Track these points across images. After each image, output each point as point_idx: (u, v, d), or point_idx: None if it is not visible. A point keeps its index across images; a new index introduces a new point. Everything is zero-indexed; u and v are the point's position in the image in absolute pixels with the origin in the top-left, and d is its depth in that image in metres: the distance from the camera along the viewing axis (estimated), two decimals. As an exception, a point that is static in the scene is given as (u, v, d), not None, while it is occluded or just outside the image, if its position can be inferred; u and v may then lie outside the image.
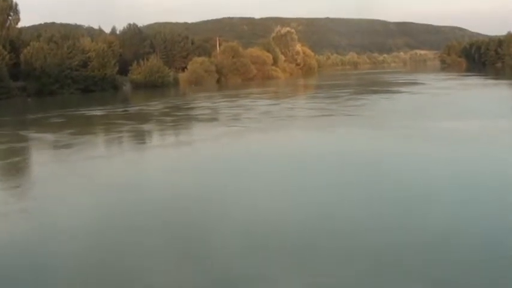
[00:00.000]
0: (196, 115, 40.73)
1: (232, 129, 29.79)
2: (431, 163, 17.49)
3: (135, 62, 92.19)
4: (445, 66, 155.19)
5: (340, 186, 14.76)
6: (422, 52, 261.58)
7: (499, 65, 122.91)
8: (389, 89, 61.18)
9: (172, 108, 47.91)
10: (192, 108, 48.04)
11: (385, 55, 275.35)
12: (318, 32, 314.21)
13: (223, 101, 52.32)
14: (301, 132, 27.94)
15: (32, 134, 32.10)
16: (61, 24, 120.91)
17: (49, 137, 30.03)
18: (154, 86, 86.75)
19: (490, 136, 22.52)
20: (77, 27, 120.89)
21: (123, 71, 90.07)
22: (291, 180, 15.89)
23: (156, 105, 51.12)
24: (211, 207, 12.99)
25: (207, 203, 13.46)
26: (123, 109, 50.48)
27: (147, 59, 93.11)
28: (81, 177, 17.92)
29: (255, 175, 16.91)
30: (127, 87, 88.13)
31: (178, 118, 38.68)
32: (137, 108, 51.81)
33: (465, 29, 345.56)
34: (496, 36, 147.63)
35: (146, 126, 33.72)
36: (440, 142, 21.33)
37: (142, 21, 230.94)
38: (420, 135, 23.44)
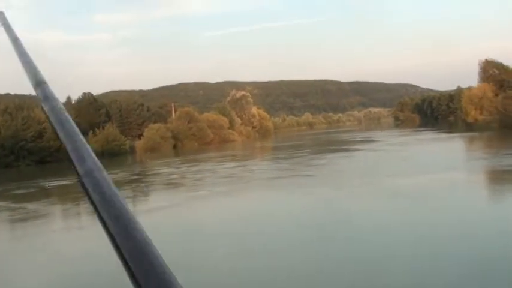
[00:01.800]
0: (156, 182, 40.45)
1: (194, 194, 29.63)
2: (388, 221, 17.64)
3: (91, 131, 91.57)
4: (399, 123, 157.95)
5: (304, 246, 14.74)
6: (376, 110, 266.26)
7: (451, 118, 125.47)
8: (346, 147, 61.86)
9: (131, 176, 47.51)
10: (151, 175, 47.74)
11: (339, 114, 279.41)
12: (272, 95, 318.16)
13: (182, 167, 52.14)
14: (262, 194, 27.95)
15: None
16: (15, 95, 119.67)
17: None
18: (111, 155, 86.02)
19: (441, 189, 22.95)
20: (31, 98, 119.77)
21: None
22: (253, 241, 15.83)
23: (114, 174, 50.60)
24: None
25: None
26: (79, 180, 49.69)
27: (103, 128, 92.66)
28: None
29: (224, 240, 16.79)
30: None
31: (138, 186, 38.34)
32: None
33: (416, 86, 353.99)
34: (447, 91, 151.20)
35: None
36: (395, 199, 21.59)
37: (97, 90, 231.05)
38: (376, 193, 23.69)
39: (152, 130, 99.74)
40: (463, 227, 15.93)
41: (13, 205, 31.40)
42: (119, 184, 40.81)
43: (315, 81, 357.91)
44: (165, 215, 23.81)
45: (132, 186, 38.16)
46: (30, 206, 30.19)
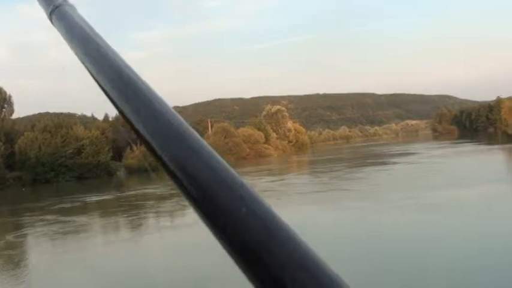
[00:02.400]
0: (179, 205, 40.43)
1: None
2: (440, 235, 17.41)
3: (129, 148, 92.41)
4: (437, 135, 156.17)
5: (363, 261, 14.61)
6: (414, 122, 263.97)
7: (491, 130, 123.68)
8: (384, 160, 61.33)
9: (168, 192, 47.77)
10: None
11: (376, 127, 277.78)
12: (308, 108, 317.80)
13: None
14: (307, 209, 27.72)
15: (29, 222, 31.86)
16: (54, 114, 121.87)
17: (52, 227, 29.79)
18: (146, 171, 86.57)
19: (486, 203, 22.55)
20: (70, 116, 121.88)
21: (117, 156, 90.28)
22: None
23: (154, 189, 50.94)
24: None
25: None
26: (118, 196, 50.20)
27: (141, 144, 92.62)
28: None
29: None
30: (121, 173, 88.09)
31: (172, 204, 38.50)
32: (132, 193, 51.61)
33: (454, 97, 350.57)
34: (486, 101, 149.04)
35: (146, 211, 33.53)
36: (442, 212, 21.29)
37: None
38: (423, 207, 23.39)
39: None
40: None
41: (62, 218, 31.81)
42: (157, 198, 41.15)
43: (351, 94, 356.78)
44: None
45: (170, 201, 38.37)
46: (78, 219, 30.59)
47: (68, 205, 42.48)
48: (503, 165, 44.23)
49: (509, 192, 26.10)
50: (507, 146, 67.74)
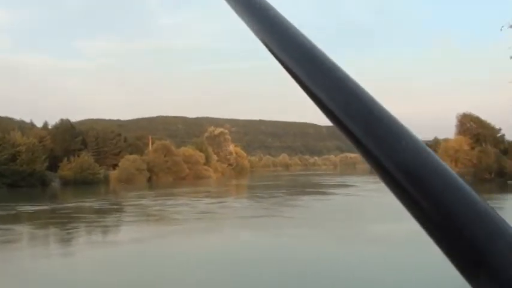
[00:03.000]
0: (131, 214, 39.93)
1: (166, 229, 29.26)
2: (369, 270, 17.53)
3: (66, 158, 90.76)
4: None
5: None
6: (352, 155, 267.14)
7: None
8: (322, 190, 61.87)
9: (105, 206, 46.92)
10: (125, 207, 47.10)
11: (316, 157, 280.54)
12: (251, 133, 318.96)
13: (155, 201, 51.62)
14: (244, 234, 27.56)
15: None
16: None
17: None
18: (84, 183, 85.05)
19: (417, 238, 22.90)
20: (8, 120, 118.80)
21: (53, 166, 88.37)
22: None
23: (87, 203, 49.93)
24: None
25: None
26: (51, 207, 48.93)
27: (78, 156, 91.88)
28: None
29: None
30: (56, 184, 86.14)
31: (112, 217, 37.81)
32: (65, 205, 50.47)
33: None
34: (424, 140, 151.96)
35: (72, 226, 32.76)
36: (376, 245, 21.50)
37: (75, 117, 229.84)
38: (355, 239, 23.58)
39: (128, 161, 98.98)
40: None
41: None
42: (92, 212, 40.32)
43: (293, 122, 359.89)
44: (143, 246, 23.46)
45: (106, 216, 37.63)
46: (5, 227, 29.65)
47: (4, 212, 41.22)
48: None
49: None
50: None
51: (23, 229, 31.51)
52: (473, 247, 0.51)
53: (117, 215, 39.32)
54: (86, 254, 22.14)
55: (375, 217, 31.70)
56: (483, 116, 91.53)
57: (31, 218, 38.10)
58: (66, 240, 26.63)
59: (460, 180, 0.58)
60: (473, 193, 0.56)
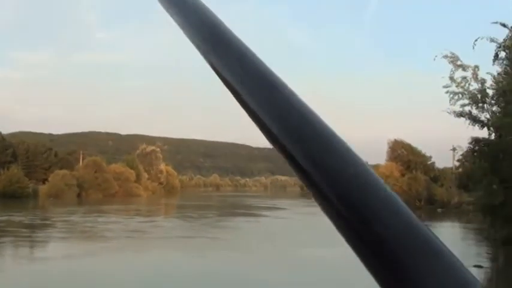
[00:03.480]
0: (56, 230, 39.57)
1: (92, 247, 29.28)
2: None
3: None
4: (305, 193, 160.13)
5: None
6: (283, 178, 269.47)
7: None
8: (253, 212, 62.50)
9: (32, 221, 46.30)
10: (53, 223, 46.54)
11: (247, 179, 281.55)
12: (182, 152, 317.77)
13: (85, 217, 51.22)
14: (172, 254, 27.83)
15: None
16: None
17: None
18: (13, 197, 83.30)
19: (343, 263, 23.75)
20: None
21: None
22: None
23: (14, 217, 49.09)
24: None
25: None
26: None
27: (8, 168, 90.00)
28: None
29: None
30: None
31: (38, 232, 37.42)
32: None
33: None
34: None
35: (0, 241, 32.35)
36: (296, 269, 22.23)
37: (5, 129, 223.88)
38: (283, 262, 24.24)
39: (58, 176, 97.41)
40: None
41: None
42: (18, 226, 39.79)
43: (225, 143, 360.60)
44: (73, 263, 23.53)
45: (31, 231, 37.23)
46: None
47: None
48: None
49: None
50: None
51: None
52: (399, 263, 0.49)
53: (48, 231, 38.95)
54: (16, 270, 22.10)
55: (303, 241, 32.46)
56: (414, 143, 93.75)
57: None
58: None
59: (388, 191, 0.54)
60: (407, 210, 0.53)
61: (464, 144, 40.02)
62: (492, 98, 32.86)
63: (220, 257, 25.75)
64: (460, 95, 33.17)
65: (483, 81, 33.00)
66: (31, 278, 20.37)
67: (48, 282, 19.44)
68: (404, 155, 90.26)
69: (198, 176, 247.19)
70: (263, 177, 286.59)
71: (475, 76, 33.00)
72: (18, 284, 19.31)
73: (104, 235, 35.38)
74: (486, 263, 25.54)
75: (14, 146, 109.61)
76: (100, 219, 49.02)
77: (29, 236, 34.79)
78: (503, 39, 31.31)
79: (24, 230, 38.33)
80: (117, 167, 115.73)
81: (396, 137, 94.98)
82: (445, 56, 32.92)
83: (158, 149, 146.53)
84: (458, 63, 32.89)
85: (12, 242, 31.64)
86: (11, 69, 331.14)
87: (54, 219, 50.23)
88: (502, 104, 32.00)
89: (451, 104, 33.60)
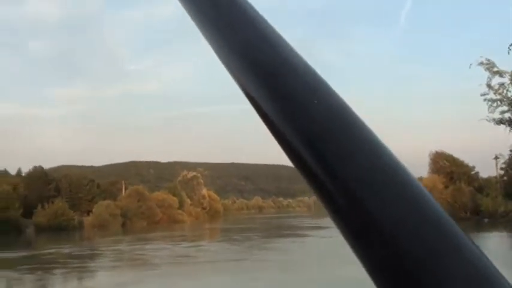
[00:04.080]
0: (111, 260, 40.05)
1: (149, 273, 29.58)
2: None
3: (40, 205, 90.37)
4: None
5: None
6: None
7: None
8: (297, 232, 62.30)
9: (82, 252, 46.93)
10: (103, 253, 47.06)
11: (289, 200, 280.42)
12: (223, 177, 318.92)
13: (133, 245, 51.70)
14: (222, 279, 27.88)
15: None
16: None
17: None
18: (58, 229, 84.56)
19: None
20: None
21: (28, 213, 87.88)
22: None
23: (63, 249, 49.83)
24: None
25: None
26: (31, 253, 48.66)
27: (52, 202, 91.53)
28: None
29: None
30: (30, 230, 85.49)
31: (88, 265, 37.92)
32: (42, 252, 50.24)
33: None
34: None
35: (57, 272, 32.88)
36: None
37: (48, 164, 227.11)
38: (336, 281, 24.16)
39: (101, 207, 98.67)
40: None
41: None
42: (67, 257, 40.37)
43: (266, 165, 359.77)
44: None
45: (81, 261, 37.73)
46: None
47: None
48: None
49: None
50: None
51: (13, 274, 31.61)
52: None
53: (98, 260, 39.52)
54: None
55: (351, 259, 32.28)
56: (456, 154, 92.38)
57: (14, 264, 38.05)
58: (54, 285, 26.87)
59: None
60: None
61: (506, 152, 39.37)
62: (532, 102, 32.23)
63: (272, 279, 25.76)
64: (499, 102, 32.55)
65: (522, 87, 32.36)
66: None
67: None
68: (447, 167, 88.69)
69: (241, 199, 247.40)
70: (306, 197, 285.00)
71: (512, 82, 32.41)
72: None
73: (153, 262, 35.69)
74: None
75: (57, 179, 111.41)
76: (147, 246, 49.46)
77: (80, 267, 35.28)
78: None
79: (75, 261, 38.85)
80: (160, 194, 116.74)
81: (437, 149, 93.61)
82: (481, 63, 32.42)
83: (199, 175, 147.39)
84: (495, 69, 32.34)
85: (64, 274, 32.14)
86: (49, 106, 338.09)
87: (102, 249, 50.78)
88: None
89: (490, 112, 33.00)
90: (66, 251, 48.82)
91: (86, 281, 29.47)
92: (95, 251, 48.91)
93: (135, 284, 25.97)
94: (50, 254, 46.10)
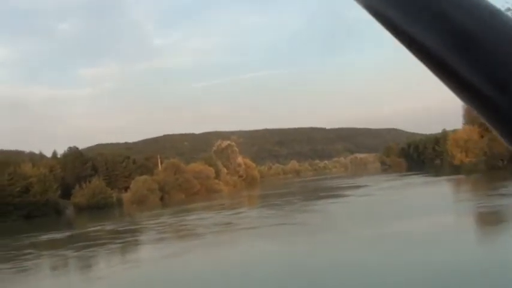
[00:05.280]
0: (149, 234, 40.21)
1: (192, 243, 29.58)
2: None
3: (78, 185, 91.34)
4: (386, 168, 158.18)
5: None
6: (362, 156, 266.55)
7: (437, 162, 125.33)
8: (336, 193, 61.81)
9: (127, 227, 47.28)
10: (143, 227, 47.26)
11: (326, 161, 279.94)
12: (257, 143, 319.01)
13: (172, 218, 51.84)
14: (265, 244, 27.65)
15: None
16: (1, 151, 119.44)
17: None
18: (97, 208, 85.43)
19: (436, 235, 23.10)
20: (18, 153, 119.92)
21: (66, 194, 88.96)
22: None
23: (105, 227, 50.16)
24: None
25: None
26: (68, 235, 49.05)
27: (89, 181, 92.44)
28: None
29: None
30: (70, 211, 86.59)
31: (136, 238, 38.06)
32: (83, 231, 50.66)
33: (402, 130, 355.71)
34: (432, 134, 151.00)
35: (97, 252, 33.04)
36: (395, 244, 21.68)
37: (83, 144, 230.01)
38: (377, 238, 23.74)
39: (139, 182, 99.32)
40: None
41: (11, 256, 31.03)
42: (114, 233, 40.66)
43: (299, 128, 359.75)
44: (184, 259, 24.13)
45: (129, 235, 37.89)
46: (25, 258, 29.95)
47: (18, 243, 41.48)
48: (449, 196, 45.16)
49: (452, 222, 26.80)
50: (452, 177, 68.98)
51: (69, 253, 31.93)
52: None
53: (143, 234, 39.95)
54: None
55: (389, 215, 31.84)
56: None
57: (65, 243, 38.46)
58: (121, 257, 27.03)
59: None
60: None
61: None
62: None
63: (315, 240, 25.45)
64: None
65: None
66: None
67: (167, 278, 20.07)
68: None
69: (277, 165, 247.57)
70: (342, 158, 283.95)
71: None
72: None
73: (197, 232, 35.73)
74: None
75: (93, 159, 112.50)
76: (188, 217, 49.52)
77: (128, 241, 35.51)
78: None
79: (122, 236, 39.10)
80: (196, 165, 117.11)
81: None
82: (508, 9, 31.47)
83: (234, 143, 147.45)
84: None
85: (112, 249, 32.34)
86: (79, 86, 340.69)
87: (145, 223, 51.04)
88: None
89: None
90: (110, 227, 49.18)
91: (139, 253, 29.88)
92: (139, 225, 49.23)
93: (185, 253, 26.05)
94: (96, 231, 46.46)
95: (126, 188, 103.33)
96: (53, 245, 39.19)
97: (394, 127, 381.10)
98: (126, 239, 37.03)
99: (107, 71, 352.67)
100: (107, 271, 24.51)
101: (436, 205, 34.28)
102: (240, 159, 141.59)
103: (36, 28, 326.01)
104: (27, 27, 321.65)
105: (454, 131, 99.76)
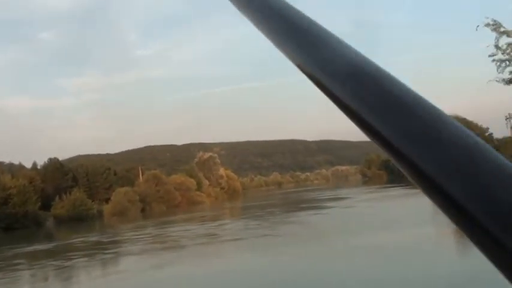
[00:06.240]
0: (139, 244, 39.93)
1: (170, 256, 29.37)
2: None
3: (58, 197, 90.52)
4: (367, 180, 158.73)
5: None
6: (343, 168, 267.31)
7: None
8: (316, 205, 61.86)
9: (107, 239, 46.89)
10: (126, 239, 46.88)
11: (307, 173, 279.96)
12: (239, 155, 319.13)
13: (154, 230, 51.58)
14: (246, 256, 27.54)
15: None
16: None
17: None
18: (78, 220, 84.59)
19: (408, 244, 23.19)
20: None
21: (46, 206, 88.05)
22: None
23: (86, 238, 49.72)
24: None
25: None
26: (47, 247, 48.52)
27: (70, 193, 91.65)
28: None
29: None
30: (50, 223, 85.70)
31: (120, 249, 37.74)
32: (62, 243, 50.18)
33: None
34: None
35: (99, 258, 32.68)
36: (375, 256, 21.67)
37: (63, 155, 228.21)
38: (357, 251, 23.72)
39: (119, 194, 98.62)
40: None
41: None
42: (96, 245, 40.31)
43: (281, 140, 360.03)
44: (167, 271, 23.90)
45: (112, 247, 37.56)
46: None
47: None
48: (425, 209, 45.31)
49: (429, 235, 26.97)
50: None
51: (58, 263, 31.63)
52: None
53: (126, 246, 39.57)
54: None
55: (371, 226, 31.90)
56: (468, 117, 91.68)
57: (51, 254, 38.05)
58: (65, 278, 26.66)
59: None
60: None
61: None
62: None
63: (301, 251, 25.39)
64: (507, 62, 31.86)
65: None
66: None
67: None
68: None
69: (259, 176, 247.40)
70: (323, 170, 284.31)
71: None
72: None
73: (180, 244, 35.51)
74: None
75: (73, 170, 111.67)
76: (171, 229, 49.24)
77: (112, 253, 35.24)
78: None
79: (104, 247, 38.79)
80: (178, 177, 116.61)
81: (451, 113, 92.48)
82: (487, 24, 31.55)
83: (216, 155, 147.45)
84: (502, 29, 31.48)
85: (99, 260, 32.07)
86: (60, 96, 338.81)
87: (127, 235, 50.64)
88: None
89: (499, 72, 32.28)
90: (93, 239, 48.80)
91: (123, 264, 29.76)
92: (121, 237, 48.95)
93: (168, 265, 25.88)
94: (78, 242, 46.06)
95: (107, 200, 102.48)
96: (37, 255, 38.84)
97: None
98: (112, 249, 36.86)
99: (88, 81, 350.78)
100: (87, 284, 24.30)
101: (414, 216, 34.40)
102: (222, 171, 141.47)
103: (17, 37, 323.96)
104: (8, 37, 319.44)
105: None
